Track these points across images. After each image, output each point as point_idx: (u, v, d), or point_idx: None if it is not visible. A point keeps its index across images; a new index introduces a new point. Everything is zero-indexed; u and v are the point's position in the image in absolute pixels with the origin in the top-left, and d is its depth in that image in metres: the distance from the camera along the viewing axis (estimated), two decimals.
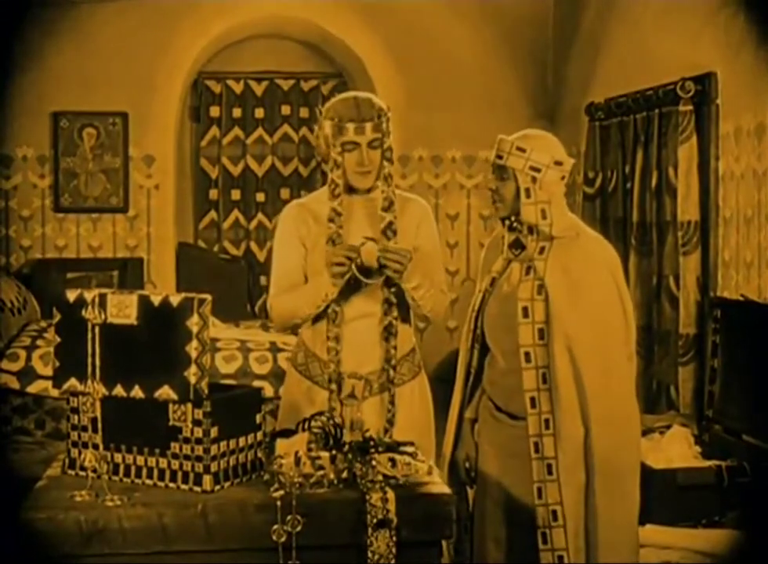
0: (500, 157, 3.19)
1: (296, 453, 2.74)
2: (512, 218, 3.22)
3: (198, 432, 2.71)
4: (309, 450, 2.81)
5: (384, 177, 3.30)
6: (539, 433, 3.14)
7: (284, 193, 8.27)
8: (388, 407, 3.33)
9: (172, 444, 2.76)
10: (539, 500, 3.14)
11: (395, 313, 3.33)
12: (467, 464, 3.42)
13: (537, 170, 3.14)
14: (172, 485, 2.76)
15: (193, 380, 2.69)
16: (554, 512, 3.12)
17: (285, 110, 8.31)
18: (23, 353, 5.16)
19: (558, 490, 3.11)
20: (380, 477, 2.77)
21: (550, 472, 3.12)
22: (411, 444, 2.95)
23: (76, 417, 2.89)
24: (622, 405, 3.17)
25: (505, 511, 3.28)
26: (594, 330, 3.14)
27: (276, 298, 3.35)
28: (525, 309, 3.17)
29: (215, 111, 8.35)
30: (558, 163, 3.16)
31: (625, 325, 3.21)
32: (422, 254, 3.36)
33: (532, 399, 3.16)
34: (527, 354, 3.16)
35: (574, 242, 3.20)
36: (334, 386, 3.31)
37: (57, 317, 2.88)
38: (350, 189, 3.33)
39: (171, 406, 2.75)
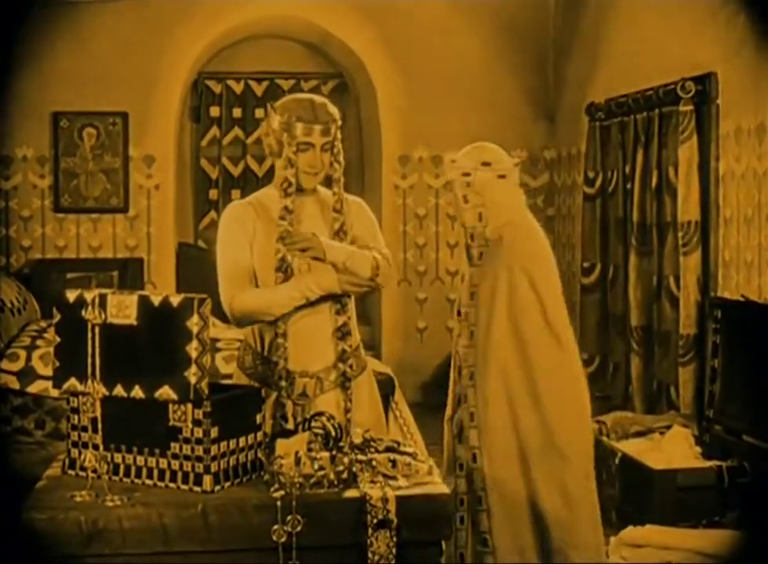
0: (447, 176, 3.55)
1: (296, 453, 2.74)
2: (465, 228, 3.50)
3: (198, 432, 2.71)
4: (309, 450, 2.80)
5: (335, 180, 3.40)
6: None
7: None
8: (346, 403, 3.35)
9: (172, 444, 2.75)
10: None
11: (348, 308, 3.38)
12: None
13: (467, 174, 3.43)
14: (172, 485, 2.76)
15: (193, 380, 2.69)
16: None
17: None
18: (23, 353, 5.16)
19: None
20: (380, 477, 2.78)
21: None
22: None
23: (76, 417, 2.88)
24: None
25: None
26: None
27: (238, 294, 3.35)
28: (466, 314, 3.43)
29: (215, 111, 8.35)
30: (485, 164, 3.41)
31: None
32: (365, 240, 3.45)
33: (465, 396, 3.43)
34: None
35: (510, 239, 3.42)
36: (284, 383, 3.31)
37: (57, 317, 2.88)
38: (298, 188, 3.39)
39: (171, 406, 2.75)
